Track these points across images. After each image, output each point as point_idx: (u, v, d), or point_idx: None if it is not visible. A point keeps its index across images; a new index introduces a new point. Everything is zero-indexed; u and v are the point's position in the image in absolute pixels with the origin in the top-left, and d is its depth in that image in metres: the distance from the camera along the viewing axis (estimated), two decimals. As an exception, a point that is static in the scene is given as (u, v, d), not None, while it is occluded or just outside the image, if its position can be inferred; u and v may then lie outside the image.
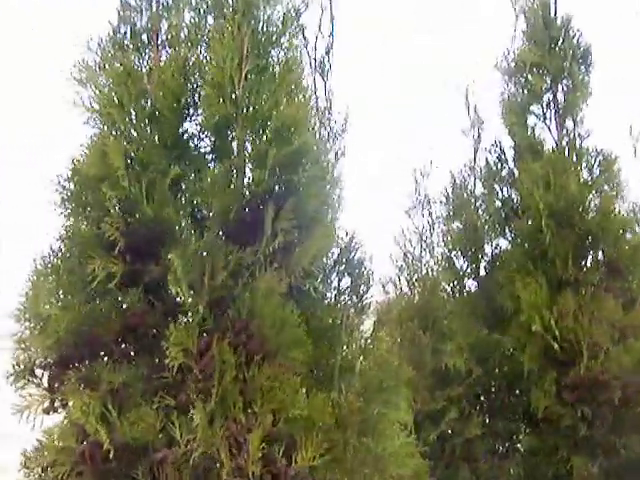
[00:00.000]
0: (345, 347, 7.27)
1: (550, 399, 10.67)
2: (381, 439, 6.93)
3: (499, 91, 12.86)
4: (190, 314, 6.20)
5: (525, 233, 11.56)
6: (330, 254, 7.84)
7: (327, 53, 8.87)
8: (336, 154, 8.68)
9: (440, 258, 12.30)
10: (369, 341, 7.81)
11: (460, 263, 12.39)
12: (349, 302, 7.82)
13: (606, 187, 11.69)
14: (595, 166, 11.93)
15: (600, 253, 11.27)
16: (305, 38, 8.72)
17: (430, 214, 12.17)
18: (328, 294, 7.74)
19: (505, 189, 12.73)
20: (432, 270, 12.17)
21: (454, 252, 12.36)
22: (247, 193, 6.61)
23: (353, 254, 8.02)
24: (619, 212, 11.40)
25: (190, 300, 6.11)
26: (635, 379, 10.69)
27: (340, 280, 8.05)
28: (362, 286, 7.99)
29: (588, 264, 11.28)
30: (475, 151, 12.80)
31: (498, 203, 12.72)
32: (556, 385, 10.67)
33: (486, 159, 12.85)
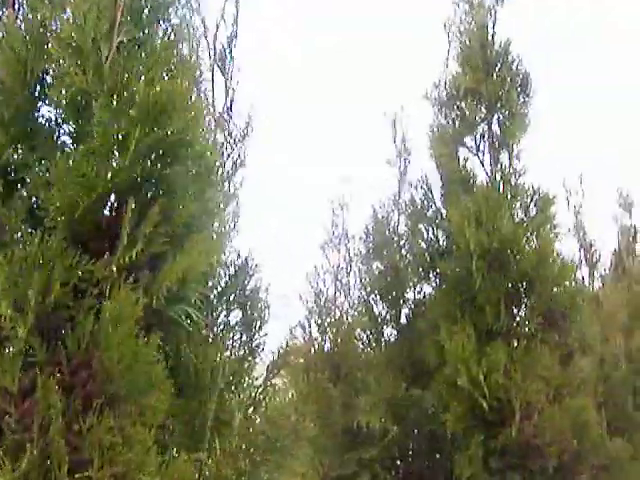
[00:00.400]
0: (227, 396, 5.73)
1: (476, 465, 9.24)
2: (267, 515, 5.39)
3: (429, 122, 11.67)
4: (11, 341, 4.59)
5: (452, 276, 10.23)
6: (218, 278, 6.37)
7: (229, 44, 7.48)
8: (234, 162, 7.27)
9: (357, 301, 10.87)
10: (260, 391, 6.31)
11: (379, 308, 10.98)
12: (237, 340, 6.34)
13: (542, 229, 10.46)
14: (531, 206, 10.71)
15: (535, 300, 9.95)
16: (204, 25, 7.32)
17: (348, 251, 10.78)
18: (213, 328, 6.24)
19: (431, 229, 11.40)
20: (347, 314, 10.74)
21: (372, 295, 10.94)
22: (109, 187, 5.06)
23: (247, 281, 6.55)
24: (558, 255, 10.15)
25: (10, 322, 4.50)
26: (572, 444, 9.34)
27: (229, 312, 6.56)
28: (256, 321, 6.53)
29: (522, 312, 9.96)
30: (400, 184, 11.49)
31: (423, 245, 11.37)
32: (483, 450, 9.25)
33: (411, 195, 11.55)
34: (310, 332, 10.33)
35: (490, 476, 9.21)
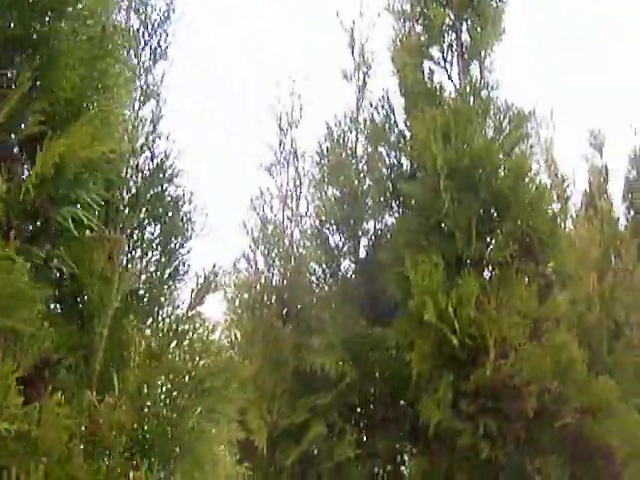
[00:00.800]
0: (133, 323, 4.52)
1: (444, 411, 8.15)
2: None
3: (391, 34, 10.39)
4: None
5: (417, 199, 9.02)
6: (127, 182, 5.15)
7: None
8: (153, 52, 6.00)
9: (309, 231, 9.64)
10: (184, 319, 5.13)
11: (335, 239, 9.76)
12: (152, 259, 5.13)
13: (518, 147, 9.28)
14: (505, 123, 9.50)
15: (511, 225, 8.80)
16: None
17: (297, 173, 9.51)
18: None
19: (394, 152, 10.16)
20: (298, 245, 9.52)
21: (327, 225, 9.71)
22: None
23: (163, 186, 5.31)
24: (535, 176, 8.99)
25: None
26: (553, 385, 8.27)
27: (144, 226, 5.34)
28: (175, 237, 5.33)
29: (496, 239, 8.79)
30: (358, 100, 10.21)
31: (385, 170, 10.14)
32: (453, 392, 8.14)
33: (372, 115, 10.28)
34: (256, 264, 9.07)
35: (461, 422, 8.13)
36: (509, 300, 8.47)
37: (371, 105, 10.41)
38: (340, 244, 9.78)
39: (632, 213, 17.93)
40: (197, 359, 5.14)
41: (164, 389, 4.88)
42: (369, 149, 10.19)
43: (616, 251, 15.97)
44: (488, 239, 8.79)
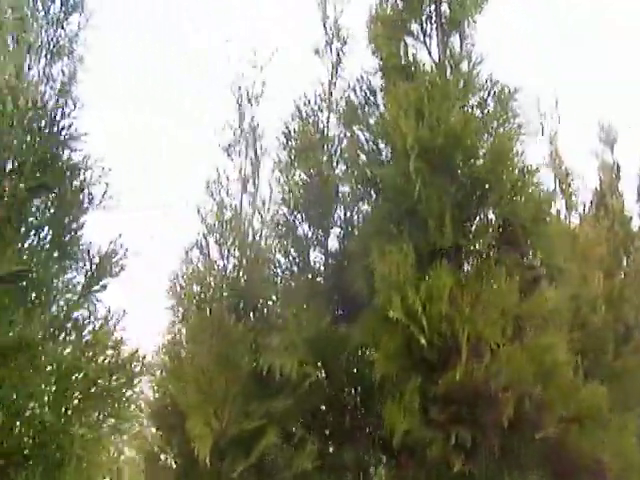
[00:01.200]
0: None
1: (412, 418, 7.23)
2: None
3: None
4: None
5: (387, 183, 8.13)
6: None
7: None
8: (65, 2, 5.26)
9: (275, 219, 8.77)
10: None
11: (304, 228, 8.88)
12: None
13: (500, 126, 8.36)
14: (489, 100, 8.59)
15: (491, 211, 7.89)
16: None
17: (256, 155, 8.62)
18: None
19: (371, 135, 9.26)
20: (260, 235, 8.64)
21: (295, 212, 8.83)
22: None
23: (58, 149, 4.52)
24: (519, 156, 8.06)
25: None
26: (535, 391, 7.35)
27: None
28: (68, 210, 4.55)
29: (473, 226, 7.88)
30: (332, 78, 9.33)
31: (362, 156, 9.24)
32: (421, 398, 7.23)
33: (348, 95, 9.38)
34: (208, 254, 8.20)
35: (431, 431, 7.21)
36: (486, 295, 7.54)
37: (349, 86, 9.50)
38: (309, 234, 8.87)
39: (647, 213, 17.03)
40: (90, 354, 4.37)
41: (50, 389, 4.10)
42: (344, 131, 9.27)
43: (627, 251, 15.10)
44: (464, 227, 7.86)
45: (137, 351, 4.84)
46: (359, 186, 9.07)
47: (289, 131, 8.92)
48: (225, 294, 7.97)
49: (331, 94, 9.26)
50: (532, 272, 8.14)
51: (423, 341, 7.24)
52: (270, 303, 8.42)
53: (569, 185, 15.80)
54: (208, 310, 7.77)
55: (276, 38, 9.27)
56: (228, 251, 8.24)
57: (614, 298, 14.04)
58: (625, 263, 15.00)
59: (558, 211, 15.01)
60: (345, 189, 9.27)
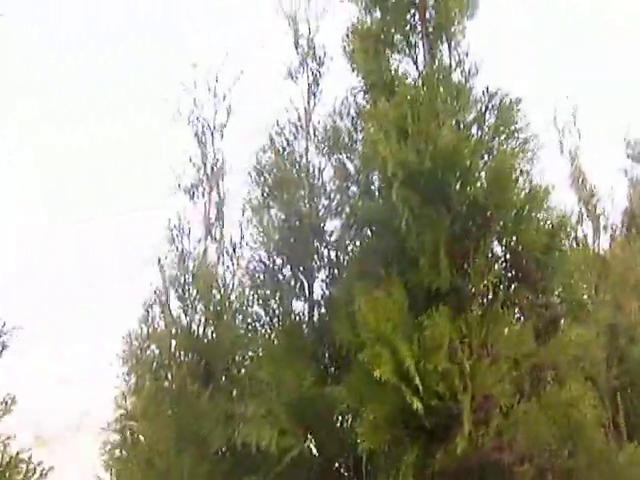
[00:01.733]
0: None
1: (409, 499, 5.94)
2: None
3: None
4: None
5: (373, 218, 6.95)
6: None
7: None
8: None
9: (247, 265, 7.61)
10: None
11: (284, 274, 7.71)
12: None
13: (500, 142, 7.17)
14: (487, 115, 7.41)
15: (495, 243, 6.67)
16: None
17: (220, 194, 7.48)
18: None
19: (358, 162, 8.13)
20: (232, 282, 7.48)
21: (274, 257, 7.66)
22: None
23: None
24: (526, 176, 6.85)
25: None
26: (561, 458, 6.06)
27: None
28: None
29: (475, 262, 6.65)
30: (308, 102, 8.21)
31: (354, 188, 8.11)
32: (418, 475, 5.94)
33: (333, 122, 8.29)
34: (169, 309, 7.03)
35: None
36: (495, 342, 6.28)
37: (334, 111, 8.38)
38: (292, 281, 7.69)
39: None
40: None
41: None
42: (326, 161, 8.13)
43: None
44: (464, 264, 6.63)
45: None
46: (349, 222, 7.88)
47: (261, 164, 7.77)
48: (187, 357, 6.78)
49: (309, 120, 8.10)
50: (549, 312, 6.87)
51: (417, 405, 5.97)
52: (245, 363, 7.21)
53: (595, 206, 14.52)
54: (167, 376, 6.58)
55: (245, 59, 8.11)
56: (190, 305, 7.06)
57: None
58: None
59: (585, 235, 13.76)
60: (330, 227, 8.12)
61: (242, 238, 7.56)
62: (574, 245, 12.77)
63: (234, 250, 7.51)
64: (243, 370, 7.25)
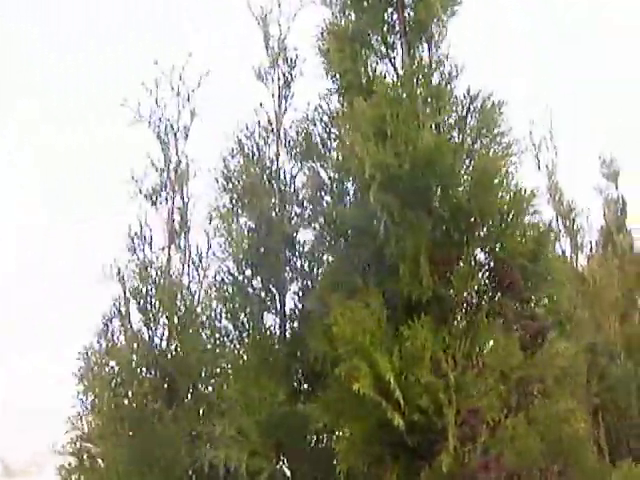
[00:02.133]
0: None
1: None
2: None
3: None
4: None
5: (349, 224, 6.54)
6: None
7: None
8: None
9: (213, 274, 7.18)
10: None
11: (255, 284, 7.27)
12: None
13: (483, 145, 6.81)
14: (469, 118, 7.06)
15: (479, 250, 6.29)
16: None
17: (184, 201, 7.04)
18: None
19: (333, 170, 7.71)
20: (198, 294, 7.02)
21: (243, 268, 7.22)
22: None
23: None
24: (511, 179, 6.49)
25: None
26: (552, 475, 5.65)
27: None
28: None
29: (457, 270, 6.25)
30: (279, 105, 7.81)
31: (328, 198, 7.69)
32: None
33: (306, 127, 7.89)
34: (129, 322, 6.55)
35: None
36: (480, 355, 5.88)
37: (306, 117, 7.97)
38: (262, 293, 7.25)
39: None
40: None
41: None
42: (298, 167, 7.72)
43: (643, 292, 13.66)
44: (447, 272, 6.23)
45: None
46: (323, 231, 7.45)
47: (229, 169, 7.34)
48: (151, 372, 6.30)
49: (280, 124, 7.70)
50: (536, 323, 6.49)
51: (399, 422, 5.54)
52: (212, 381, 6.74)
53: (573, 221, 14.33)
54: (127, 394, 6.09)
55: (214, 61, 7.70)
56: (154, 318, 6.59)
57: (632, 345, 12.58)
58: (640, 304, 13.66)
59: (563, 252, 13.54)
60: (303, 237, 7.70)
61: (209, 247, 7.12)
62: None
63: (200, 260, 7.05)
64: (210, 388, 6.76)
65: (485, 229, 6.33)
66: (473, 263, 6.33)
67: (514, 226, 6.44)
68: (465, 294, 6.20)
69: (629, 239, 14.69)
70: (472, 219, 6.37)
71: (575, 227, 14.09)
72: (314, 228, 7.60)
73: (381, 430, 5.74)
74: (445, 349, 5.93)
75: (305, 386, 6.94)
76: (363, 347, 5.86)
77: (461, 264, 6.24)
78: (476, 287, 6.24)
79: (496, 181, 6.51)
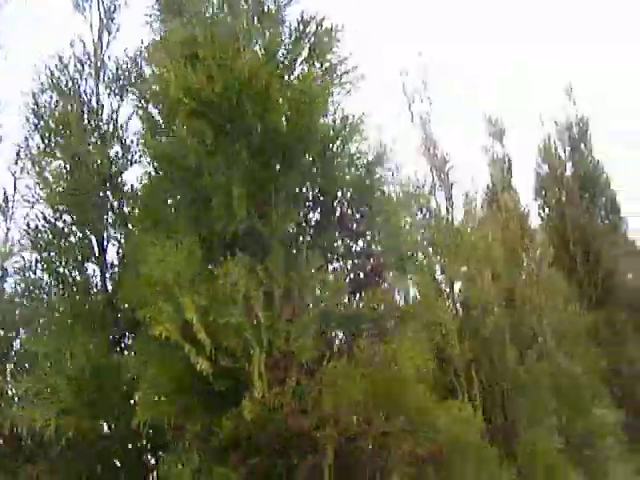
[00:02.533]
0: None
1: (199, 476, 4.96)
2: None
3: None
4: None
5: (158, 153, 5.94)
6: None
7: None
8: None
9: (27, 225, 6.49)
10: None
11: (74, 233, 6.62)
12: None
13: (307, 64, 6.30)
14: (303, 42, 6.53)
15: (298, 181, 5.79)
16: None
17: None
18: None
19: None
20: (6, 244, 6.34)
21: (60, 214, 6.57)
22: None
23: None
24: (337, 106, 5.98)
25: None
26: (377, 422, 5.23)
27: None
28: None
29: (277, 203, 5.73)
30: (100, 37, 7.12)
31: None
32: (205, 445, 4.98)
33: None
34: None
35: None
36: (300, 293, 5.39)
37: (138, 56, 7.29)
38: (77, 239, 6.60)
39: (547, 211, 15.58)
40: None
41: None
42: (119, 103, 7.04)
43: (526, 251, 13.41)
44: (264, 205, 5.70)
45: None
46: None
47: (39, 106, 6.63)
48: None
49: (102, 56, 7.02)
50: (365, 259, 6.04)
51: (203, 365, 5.00)
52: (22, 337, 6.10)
53: (447, 174, 13.98)
54: None
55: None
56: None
57: (513, 300, 12.32)
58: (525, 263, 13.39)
59: (438, 204, 13.19)
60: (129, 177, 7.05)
61: (15, 190, 6.43)
62: (427, 216, 12.28)
63: (6, 204, 6.37)
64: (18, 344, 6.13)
65: (305, 157, 5.80)
66: (294, 195, 5.81)
67: (340, 155, 5.94)
68: (284, 229, 5.68)
69: (514, 197, 14.50)
70: (291, 148, 5.82)
71: (450, 181, 13.76)
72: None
73: (187, 377, 5.20)
74: (261, 288, 5.41)
75: (125, 338, 6.34)
76: (168, 288, 5.29)
77: (279, 196, 5.71)
78: (297, 221, 5.73)
79: (321, 107, 5.98)
